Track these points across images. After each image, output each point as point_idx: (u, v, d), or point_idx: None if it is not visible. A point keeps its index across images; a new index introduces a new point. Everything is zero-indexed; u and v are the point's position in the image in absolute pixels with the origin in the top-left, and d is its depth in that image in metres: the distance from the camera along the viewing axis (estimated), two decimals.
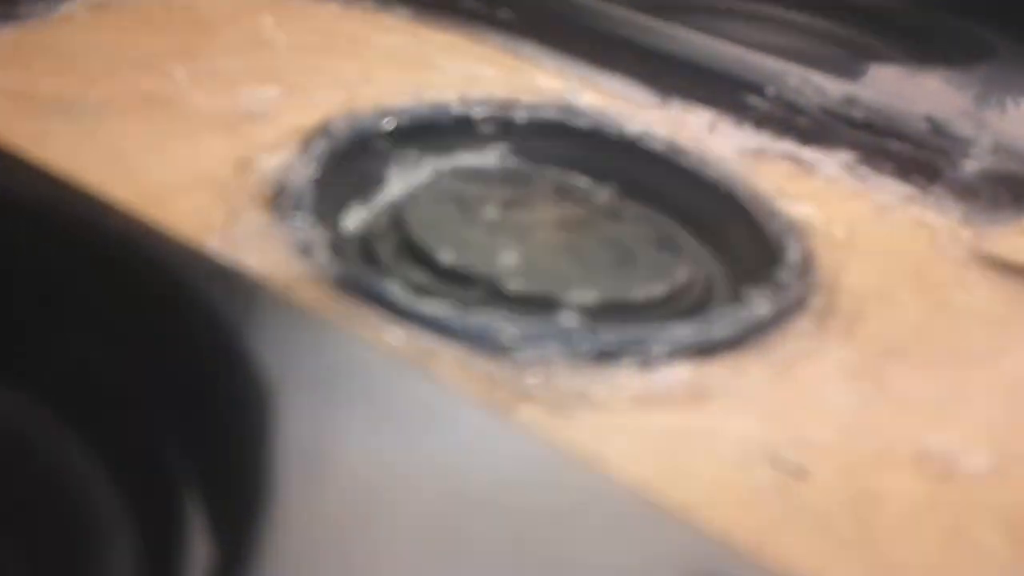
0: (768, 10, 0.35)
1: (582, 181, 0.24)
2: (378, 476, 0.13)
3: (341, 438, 0.14)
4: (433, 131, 0.24)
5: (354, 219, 0.21)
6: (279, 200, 0.20)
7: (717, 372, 0.17)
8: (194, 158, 0.21)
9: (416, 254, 0.20)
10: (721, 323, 0.18)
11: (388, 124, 0.24)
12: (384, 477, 0.13)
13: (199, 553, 0.13)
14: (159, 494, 0.14)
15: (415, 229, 0.20)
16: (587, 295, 0.19)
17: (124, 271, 0.16)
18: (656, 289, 0.20)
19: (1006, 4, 0.35)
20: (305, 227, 0.19)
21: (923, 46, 0.34)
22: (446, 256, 0.20)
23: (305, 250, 0.19)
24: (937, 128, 0.24)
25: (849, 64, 0.31)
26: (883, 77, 0.28)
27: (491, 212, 0.22)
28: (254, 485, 0.13)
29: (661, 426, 0.16)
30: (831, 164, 0.24)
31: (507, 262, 0.20)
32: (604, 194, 0.24)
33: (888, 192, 0.24)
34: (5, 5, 0.26)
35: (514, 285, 0.19)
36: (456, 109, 0.25)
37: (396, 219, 0.21)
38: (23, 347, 0.15)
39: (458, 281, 0.19)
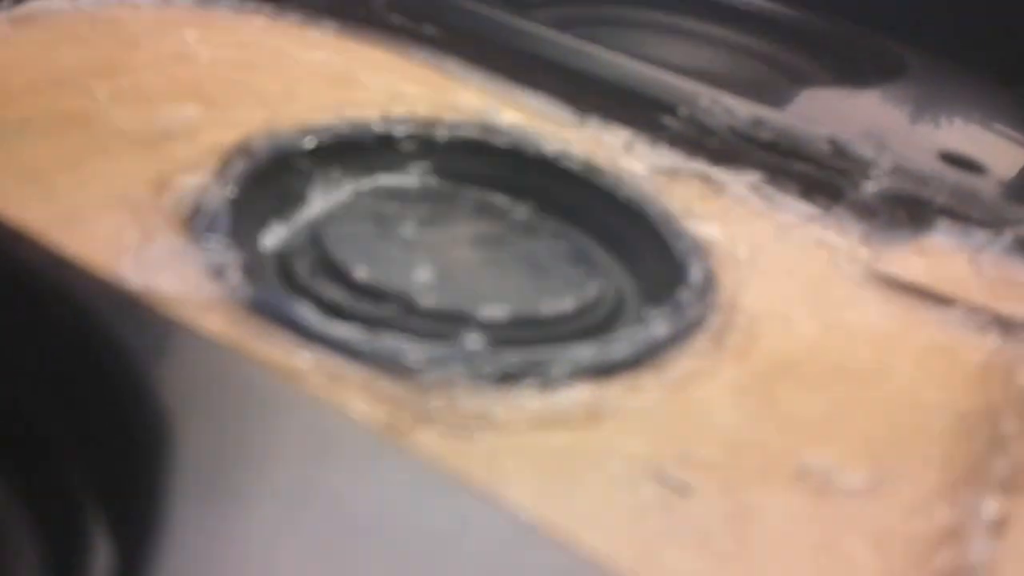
0: (691, 25, 0.36)
1: (500, 199, 0.25)
2: (271, 499, 0.13)
3: (239, 462, 0.14)
4: (355, 150, 0.25)
5: (273, 237, 0.22)
6: (194, 221, 0.20)
7: (613, 392, 0.18)
8: (110, 178, 0.21)
9: (332, 271, 0.21)
10: (620, 344, 0.19)
11: (309, 143, 0.24)
12: (277, 501, 0.13)
13: (101, 566, 0.14)
14: (65, 513, 0.15)
15: (332, 246, 0.21)
16: (497, 310, 0.20)
17: (31, 298, 0.16)
18: (565, 304, 0.20)
19: (916, 20, 0.37)
20: (219, 249, 0.20)
21: (841, 64, 0.35)
22: (361, 272, 0.20)
23: (218, 272, 0.19)
24: (839, 150, 0.25)
25: (767, 83, 0.32)
26: (795, 97, 0.29)
27: (408, 230, 0.23)
28: (154, 505, 0.13)
29: (556, 445, 0.17)
30: (739, 184, 0.25)
31: (421, 278, 0.21)
32: (522, 211, 0.24)
33: (791, 212, 0.25)
34: None
35: (426, 301, 0.20)
36: (378, 128, 0.25)
37: (314, 236, 0.22)
38: None
39: (372, 297, 0.20)
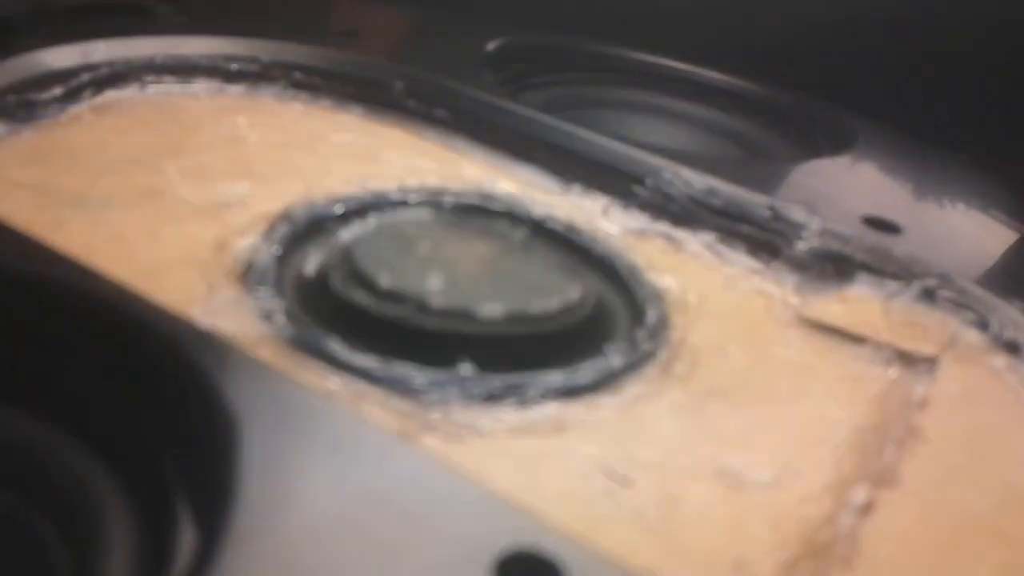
0: (665, 103, 0.41)
1: (502, 224, 0.29)
2: (314, 486, 0.18)
3: (290, 459, 0.19)
4: (375, 212, 0.30)
5: (312, 261, 0.27)
6: (248, 276, 0.26)
7: (576, 409, 0.23)
8: (180, 241, 0.27)
9: (361, 279, 0.25)
10: (584, 372, 0.24)
11: (338, 209, 0.29)
12: (319, 486, 0.18)
13: (186, 539, 0.19)
14: (157, 498, 0.20)
15: (361, 261, 0.25)
16: (495, 308, 0.24)
17: (125, 335, 0.21)
18: (552, 303, 0.25)
19: (871, 95, 0.42)
20: (267, 298, 0.25)
21: (798, 136, 0.40)
22: (385, 280, 0.25)
23: (267, 316, 0.24)
24: (777, 214, 0.30)
25: (729, 156, 0.37)
26: (750, 169, 0.34)
27: (425, 248, 0.27)
28: (225, 492, 0.18)
29: (528, 449, 0.22)
30: (695, 243, 0.30)
31: (433, 285, 0.25)
32: (520, 233, 0.29)
33: (738, 266, 0.30)
34: (25, 109, 0.31)
35: (437, 302, 0.24)
36: (394, 196, 0.31)
37: (346, 255, 0.26)
38: (59, 396, 0.20)
39: (393, 300, 0.24)
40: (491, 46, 0.41)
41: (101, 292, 0.23)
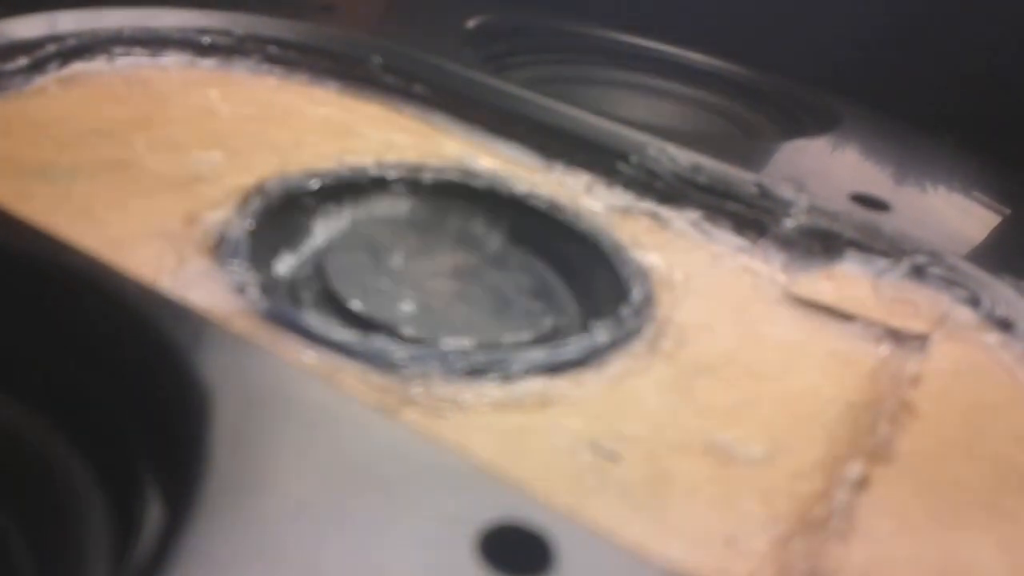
0: (651, 82, 0.41)
1: (479, 227, 0.29)
2: (289, 459, 0.17)
3: (264, 432, 0.18)
4: (353, 189, 0.29)
5: (284, 265, 0.26)
6: (220, 249, 0.25)
7: (561, 385, 0.22)
8: (150, 214, 0.26)
9: (332, 301, 0.25)
10: (569, 348, 0.23)
11: (314, 184, 0.29)
12: (294, 460, 0.17)
13: (153, 515, 0.18)
14: (125, 473, 0.19)
15: (332, 277, 0.25)
16: (464, 343, 0.23)
17: (93, 304, 0.20)
18: (523, 336, 0.24)
19: (854, 76, 0.41)
20: (240, 271, 0.24)
21: (783, 117, 0.40)
22: (356, 305, 0.24)
23: (240, 290, 0.23)
24: (765, 192, 0.29)
25: (716, 135, 0.37)
26: (736, 147, 0.33)
27: (397, 260, 0.27)
28: (196, 466, 0.17)
29: (512, 424, 0.21)
30: (681, 220, 0.30)
31: (405, 310, 0.25)
32: (495, 241, 0.29)
33: (724, 244, 0.29)
34: None
35: (408, 332, 0.24)
36: (373, 171, 0.30)
37: (317, 267, 0.26)
38: (21, 367, 0.19)
39: (364, 327, 0.24)
40: (471, 23, 0.40)
41: (67, 260, 0.22)
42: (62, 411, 0.19)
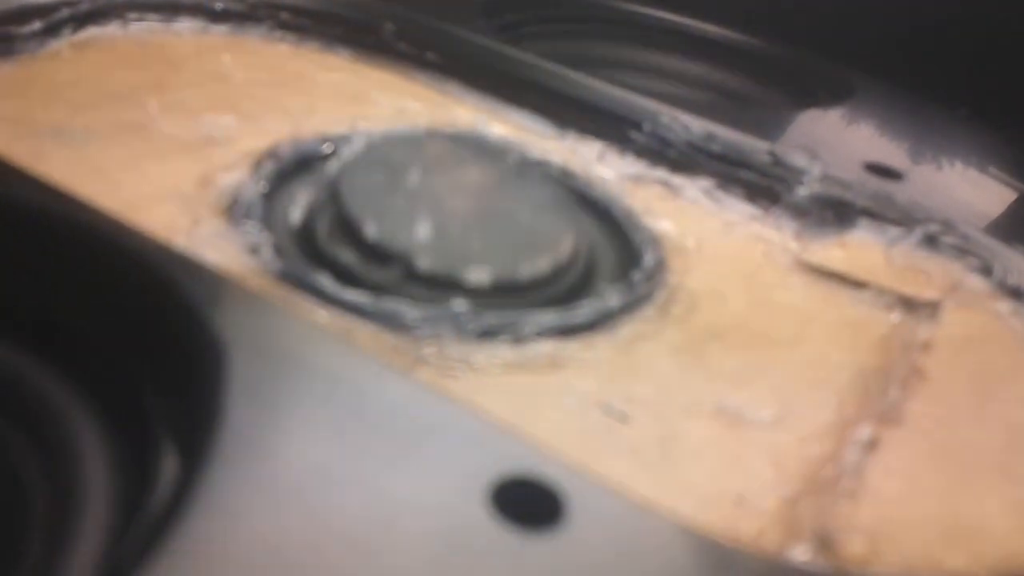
0: (669, 63, 0.40)
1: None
2: (303, 413, 0.18)
3: (278, 386, 0.18)
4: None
5: (300, 198, 0.25)
6: (233, 210, 0.25)
7: (572, 347, 0.22)
8: (164, 176, 0.26)
9: (347, 229, 0.24)
10: (581, 311, 0.23)
11: (327, 148, 0.29)
12: (308, 413, 0.18)
13: (168, 467, 0.18)
14: (140, 426, 0.19)
15: (347, 202, 0.24)
16: (483, 276, 0.23)
17: (110, 262, 0.21)
18: (542, 264, 0.24)
19: (868, 48, 0.41)
20: (254, 232, 0.24)
21: (796, 88, 0.40)
22: (370, 231, 0.23)
23: (254, 250, 0.23)
24: (777, 160, 0.29)
25: (729, 106, 0.37)
26: (750, 117, 0.33)
27: (414, 178, 0.26)
28: (211, 419, 0.18)
29: (523, 385, 0.21)
30: (693, 188, 0.30)
31: (422, 234, 0.24)
32: (515, 156, 0.28)
33: (736, 212, 0.29)
34: (3, 43, 0.30)
35: (424, 264, 0.23)
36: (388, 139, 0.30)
37: (332, 191, 0.25)
38: (39, 322, 0.20)
39: (379, 257, 0.23)
40: None
41: (82, 217, 0.22)
42: (76, 364, 0.19)
